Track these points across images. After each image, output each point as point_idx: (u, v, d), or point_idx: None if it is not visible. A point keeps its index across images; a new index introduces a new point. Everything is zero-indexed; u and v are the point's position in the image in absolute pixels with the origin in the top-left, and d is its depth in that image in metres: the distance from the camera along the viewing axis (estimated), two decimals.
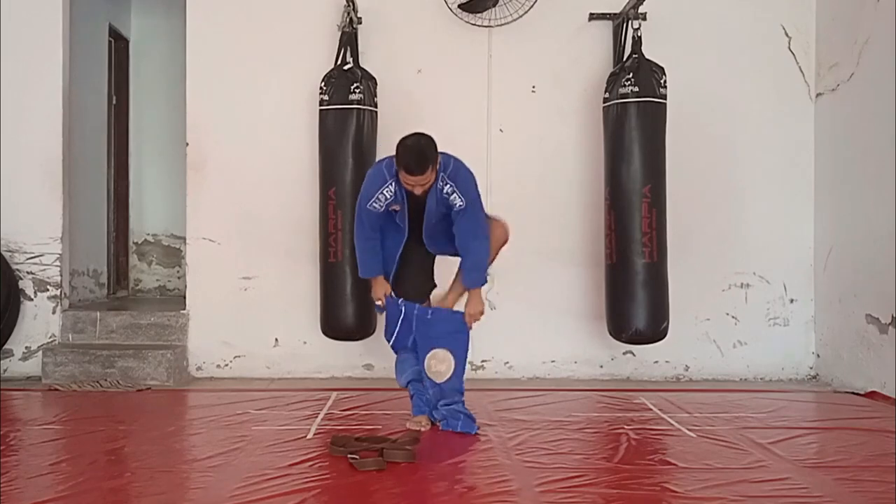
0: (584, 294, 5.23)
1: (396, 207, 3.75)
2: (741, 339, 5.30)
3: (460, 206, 3.70)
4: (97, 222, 6.29)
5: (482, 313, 3.85)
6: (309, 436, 3.67)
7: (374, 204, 3.74)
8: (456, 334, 3.82)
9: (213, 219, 5.25)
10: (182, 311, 5.29)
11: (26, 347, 5.17)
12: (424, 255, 3.94)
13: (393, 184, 3.70)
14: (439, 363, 3.77)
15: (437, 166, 3.64)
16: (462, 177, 3.73)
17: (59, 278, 5.22)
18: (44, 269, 5.20)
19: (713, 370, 5.28)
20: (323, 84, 4.84)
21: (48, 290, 5.20)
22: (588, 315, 5.21)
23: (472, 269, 3.82)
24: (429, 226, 3.79)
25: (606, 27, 5.20)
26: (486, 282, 3.87)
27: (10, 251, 5.15)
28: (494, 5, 5.10)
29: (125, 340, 5.23)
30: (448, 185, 3.69)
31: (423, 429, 3.76)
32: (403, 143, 3.62)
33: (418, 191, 3.65)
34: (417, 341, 3.83)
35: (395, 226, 3.82)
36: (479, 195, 3.78)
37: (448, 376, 3.77)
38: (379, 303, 3.91)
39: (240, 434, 3.69)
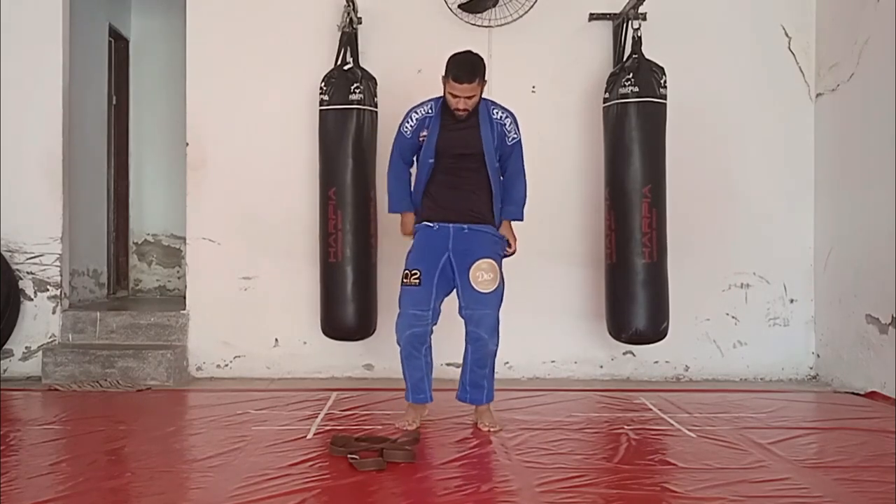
0: (584, 294, 5.23)
1: (425, 134, 3.75)
2: (741, 339, 5.30)
3: (514, 138, 3.81)
4: (97, 222, 6.29)
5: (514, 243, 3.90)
6: (309, 436, 3.67)
7: (406, 125, 3.82)
8: (496, 247, 3.82)
9: (213, 219, 5.25)
10: (182, 311, 5.29)
11: (26, 347, 5.17)
12: (467, 191, 3.81)
13: (431, 106, 3.79)
14: (486, 272, 3.71)
15: (483, 87, 3.72)
16: (514, 116, 3.85)
17: (59, 278, 5.22)
18: (44, 269, 5.20)
19: (713, 370, 5.28)
20: (323, 84, 4.84)
21: (48, 290, 5.20)
22: (588, 315, 5.21)
23: (512, 203, 3.87)
24: (492, 162, 3.76)
25: (606, 27, 5.20)
26: (522, 217, 3.91)
27: (10, 251, 5.15)
28: (494, 5, 5.10)
29: (125, 340, 5.23)
30: (504, 114, 3.81)
31: (410, 427, 3.77)
32: (454, 55, 3.73)
33: (462, 106, 3.67)
34: (455, 261, 3.74)
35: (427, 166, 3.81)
36: None
37: (495, 286, 3.73)
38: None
39: (240, 434, 3.70)
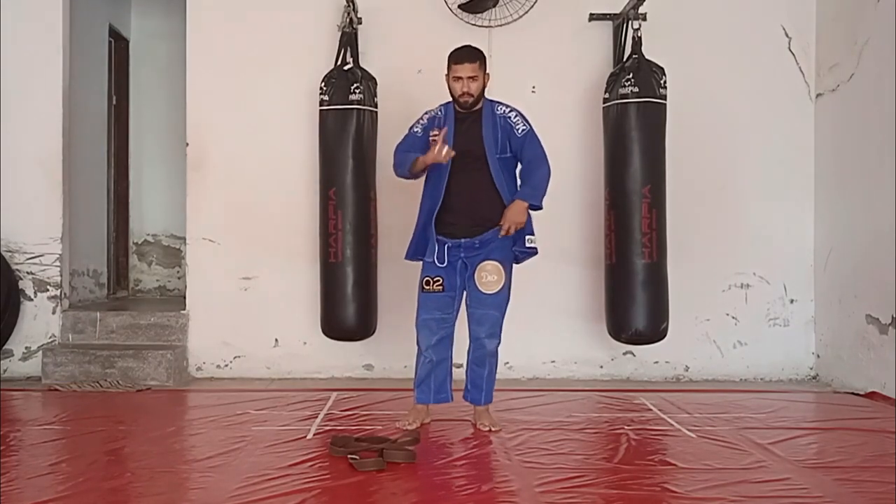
0: (584, 294, 5.23)
1: (436, 132, 3.74)
2: (741, 340, 5.30)
3: (524, 129, 3.79)
4: (97, 222, 6.28)
5: (521, 225, 3.69)
6: (309, 436, 3.67)
7: (418, 124, 3.88)
8: (506, 252, 3.78)
9: (213, 219, 5.25)
10: (182, 312, 5.29)
11: (26, 347, 5.17)
12: (472, 192, 3.78)
13: (441, 109, 3.86)
14: (490, 274, 3.75)
15: (487, 79, 3.77)
16: (519, 111, 3.85)
17: (59, 278, 5.21)
18: (44, 269, 5.20)
19: (713, 370, 5.28)
20: (323, 84, 4.84)
21: (48, 290, 5.20)
22: (588, 315, 5.21)
23: (530, 185, 3.75)
24: (493, 159, 3.74)
25: (606, 27, 5.20)
26: (540, 204, 3.77)
27: (10, 251, 5.15)
28: (494, 5, 5.10)
29: (125, 341, 5.22)
30: (507, 108, 3.83)
31: (411, 427, 3.78)
32: (454, 49, 3.81)
33: (465, 89, 3.71)
34: (467, 263, 3.77)
35: (436, 167, 3.78)
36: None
37: (499, 288, 3.76)
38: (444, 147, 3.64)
39: (240, 434, 3.70)
